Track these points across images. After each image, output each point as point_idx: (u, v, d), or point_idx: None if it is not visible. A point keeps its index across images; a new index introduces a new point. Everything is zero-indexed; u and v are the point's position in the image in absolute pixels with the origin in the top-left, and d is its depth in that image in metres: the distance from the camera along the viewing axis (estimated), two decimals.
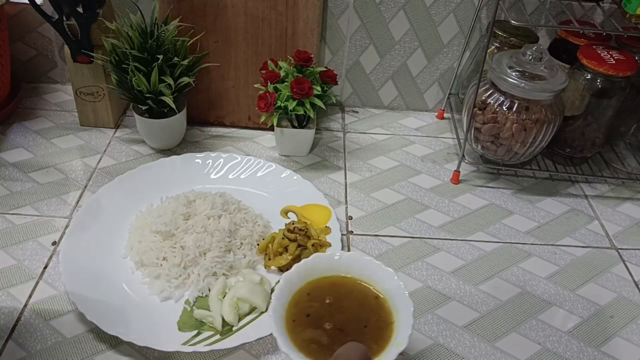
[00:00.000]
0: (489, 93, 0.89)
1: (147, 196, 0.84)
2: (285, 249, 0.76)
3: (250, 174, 0.90)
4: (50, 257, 0.76)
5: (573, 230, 0.88)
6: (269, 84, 0.91)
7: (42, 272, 0.74)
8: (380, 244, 0.82)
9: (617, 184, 0.98)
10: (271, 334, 0.65)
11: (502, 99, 0.88)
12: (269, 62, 0.93)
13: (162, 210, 0.78)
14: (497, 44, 0.98)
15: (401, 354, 0.53)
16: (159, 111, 0.91)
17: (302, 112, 0.89)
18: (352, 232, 0.84)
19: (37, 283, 0.72)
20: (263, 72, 0.92)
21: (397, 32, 1.04)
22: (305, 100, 0.88)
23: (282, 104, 0.89)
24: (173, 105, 0.88)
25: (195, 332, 0.67)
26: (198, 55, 0.92)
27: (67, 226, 0.80)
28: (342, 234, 0.81)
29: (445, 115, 1.12)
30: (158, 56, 0.85)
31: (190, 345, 0.64)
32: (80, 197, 0.86)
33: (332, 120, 1.09)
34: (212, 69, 0.98)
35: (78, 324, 0.67)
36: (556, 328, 0.73)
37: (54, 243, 0.78)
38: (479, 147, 0.94)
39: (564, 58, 0.95)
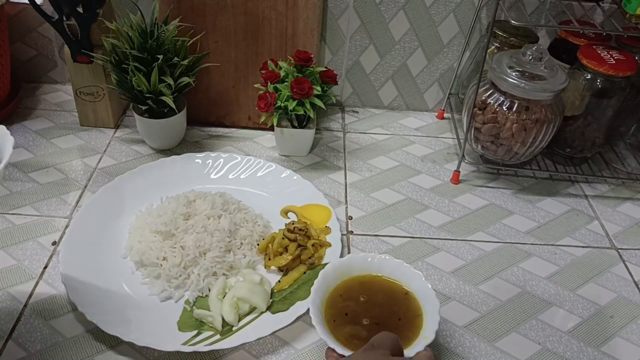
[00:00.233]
0: (489, 93, 0.89)
1: (147, 196, 0.84)
2: (285, 249, 0.76)
3: (250, 174, 0.90)
4: (50, 257, 0.76)
5: (573, 230, 0.88)
6: (269, 84, 0.91)
7: (42, 272, 0.74)
8: (380, 244, 0.82)
9: (617, 184, 0.99)
10: (271, 334, 0.66)
11: (502, 99, 0.88)
12: (269, 62, 0.93)
13: (162, 210, 0.78)
14: (497, 44, 0.98)
15: (428, 346, 0.59)
16: (159, 111, 0.91)
17: (302, 112, 0.89)
18: (352, 232, 0.84)
19: (37, 283, 0.72)
20: (263, 72, 0.92)
21: (397, 32, 1.04)
22: (305, 100, 0.88)
23: (282, 104, 0.89)
24: (173, 105, 0.88)
25: (195, 332, 0.67)
26: (198, 55, 0.92)
27: (67, 226, 0.80)
28: (342, 234, 0.81)
29: (445, 115, 1.12)
30: (158, 56, 0.85)
31: (190, 345, 0.64)
32: (80, 197, 0.86)
33: (332, 120, 1.09)
34: (212, 69, 0.98)
35: (78, 324, 0.67)
36: (556, 328, 0.73)
37: (54, 243, 0.78)
38: (479, 147, 0.94)
39: (564, 58, 0.95)
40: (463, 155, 0.94)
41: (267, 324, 0.67)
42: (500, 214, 0.90)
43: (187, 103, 0.96)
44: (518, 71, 0.86)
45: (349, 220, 0.86)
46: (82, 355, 0.64)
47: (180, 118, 0.94)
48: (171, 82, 0.86)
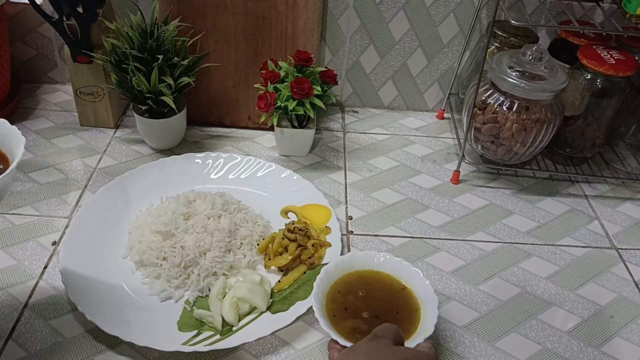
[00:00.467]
0: (489, 93, 0.89)
1: (147, 196, 0.84)
2: (285, 249, 0.76)
3: (250, 174, 0.90)
4: (50, 257, 0.76)
5: (573, 230, 0.88)
6: (269, 84, 0.91)
7: (42, 272, 0.74)
8: (380, 244, 0.82)
9: (617, 184, 0.98)
10: (271, 334, 0.66)
11: (502, 99, 0.88)
12: (269, 62, 0.93)
13: (162, 210, 0.78)
14: (497, 44, 0.98)
15: (428, 339, 0.60)
16: (159, 111, 0.91)
17: (302, 112, 0.89)
18: (352, 232, 0.84)
19: (37, 283, 0.72)
20: (263, 72, 0.92)
21: (397, 32, 1.04)
22: (305, 100, 0.88)
23: (282, 104, 0.89)
24: (173, 105, 0.88)
25: (195, 332, 0.67)
26: (198, 55, 0.92)
27: (67, 226, 0.80)
28: (342, 234, 0.81)
29: (445, 115, 1.12)
30: (158, 56, 0.85)
31: (190, 345, 0.64)
32: (80, 197, 0.86)
33: (332, 120, 1.09)
34: (212, 69, 0.98)
35: (78, 324, 0.67)
36: (556, 328, 0.73)
37: (54, 243, 0.78)
38: (479, 147, 0.94)
39: (564, 58, 0.95)
40: (463, 155, 0.94)
41: (267, 324, 0.67)
42: (500, 214, 0.90)
43: (187, 103, 0.96)
44: (518, 71, 0.86)
45: (349, 220, 0.86)
46: (82, 355, 0.64)
47: (180, 118, 0.94)
48: (171, 82, 0.86)
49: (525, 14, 1.02)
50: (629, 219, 0.91)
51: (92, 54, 0.90)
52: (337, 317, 0.63)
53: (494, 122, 0.89)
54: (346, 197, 0.90)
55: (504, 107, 0.87)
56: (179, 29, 0.90)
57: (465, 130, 0.93)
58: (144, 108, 0.91)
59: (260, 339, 0.66)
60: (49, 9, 0.89)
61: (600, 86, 0.89)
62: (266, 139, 1.01)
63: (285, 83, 0.90)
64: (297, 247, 0.75)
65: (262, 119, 0.92)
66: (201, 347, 0.64)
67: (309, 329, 0.69)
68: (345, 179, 0.94)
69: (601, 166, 1.00)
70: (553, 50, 0.97)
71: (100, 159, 0.93)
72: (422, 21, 1.02)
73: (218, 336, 0.66)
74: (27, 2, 0.87)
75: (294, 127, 0.95)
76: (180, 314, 0.69)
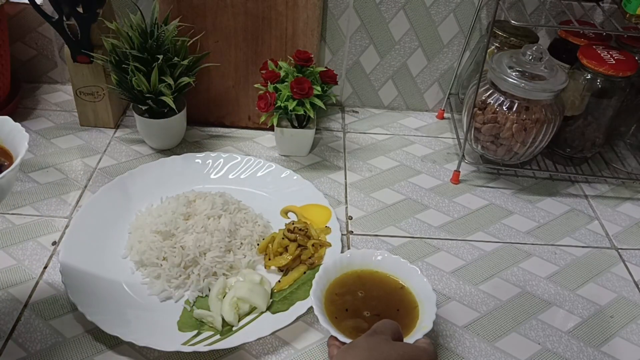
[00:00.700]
0: (489, 93, 0.89)
1: (147, 196, 0.84)
2: (285, 249, 0.76)
3: (250, 174, 0.90)
4: (50, 257, 0.76)
5: (573, 230, 0.88)
6: (269, 84, 0.91)
7: (42, 272, 0.74)
8: (380, 244, 0.82)
9: (617, 184, 0.98)
10: (271, 334, 0.66)
11: (502, 99, 0.88)
12: (269, 62, 0.93)
13: (162, 210, 0.78)
14: (497, 44, 0.98)
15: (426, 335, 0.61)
16: (159, 111, 0.91)
17: (302, 112, 0.89)
18: (352, 232, 0.84)
19: (37, 283, 0.72)
20: (263, 72, 0.92)
21: (397, 32, 1.04)
22: (305, 100, 0.88)
23: (282, 104, 0.89)
24: (173, 105, 0.88)
25: (195, 332, 0.67)
26: (198, 55, 0.92)
27: (67, 226, 0.80)
28: (342, 234, 0.81)
29: (445, 115, 1.12)
30: (158, 56, 0.85)
31: (190, 345, 0.64)
32: (80, 197, 0.86)
33: (332, 120, 1.09)
34: (212, 69, 0.98)
35: (78, 324, 0.67)
36: (556, 328, 0.73)
37: (54, 243, 0.78)
38: (479, 147, 0.94)
39: (564, 58, 0.95)
40: (463, 155, 0.94)
41: (267, 324, 0.67)
42: (500, 214, 0.90)
43: (187, 103, 0.96)
44: (518, 71, 0.86)
45: (349, 220, 0.86)
46: (82, 355, 0.64)
47: (180, 118, 0.94)
48: (171, 82, 0.86)
49: (525, 14, 1.02)
50: (629, 219, 0.91)
51: (92, 54, 0.90)
52: (339, 318, 0.63)
53: (494, 122, 0.89)
54: (346, 197, 0.91)
55: (504, 107, 0.87)
56: (179, 29, 0.90)
57: (465, 130, 0.93)
58: (144, 108, 0.91)
59: (260, 339, 0.66)
60: (49, 9, 0.88)
61: (600, 86, 0.89)
62: (266, 139, 1.01)
63: (285, 83, 0.90)
64: (297, 247, 0.75)
65: (262, 119, 0.92)
66: (201, 347, 0.64)
67: (309, 329, 0.69)
68: (345, 179, 0.94)
69: (601, 166, 1.00)
70: (553, 50, 0.97)
71: (100, 159, 0.93)
72: (422, 21, 1.02)
73: (218, 336, 0.66)
74: (27, 2, 0.87)
75: (294, 127, 0.95)
76: (180, 314, 0.69)
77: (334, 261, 0.69)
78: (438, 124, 1.11)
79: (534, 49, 0.86)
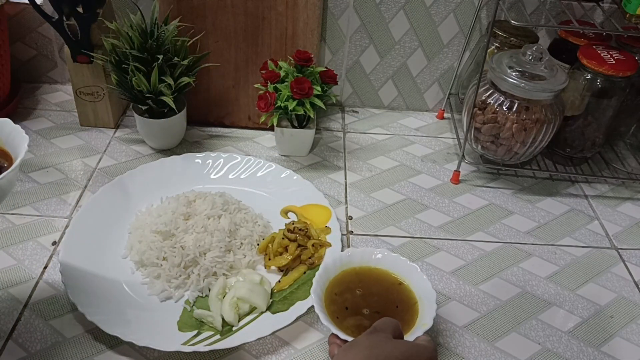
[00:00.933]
0: (489, 93, 0.89)
1: (147, 196, 0.84)
2: (285, 249, 0.76)
3: (250, 174, 0.90)
4: (50, 257, 0.76)
5: (573, 230, 0.88)
6: (269, 84, 0.91)
7: (42, 272, 0.74)
8: (381, 244, 0.82)
9: (617, 184, 0.98)
10: (271, 334, 0.66)
11: (502, 99, 0.88)
12: (269, 62, 0.93)
13: (162, 210, 0.78)
14: (497, 44, 0.98)
15: (426, 333, 0.61)
16: (159, 111, 0.91)
17: (302, 112, 0.89)
18: (352, 232, 0.84)
19: (37, 283, 0.72)
20: (263, 72, 0.92)
21: (397, 32, 1.04)
22: (305, 100, 0.88)
23: (282, 104, 0.89)
24: (173, 105, 0.88)
25: (195, 332, 0.67)
26: (198, 55, 0.92)
27: (67, 226, 0.80)
28: (342, 234, 0.81)
29: (445, 115, 1.12)
30: (158, 56, 0.85)
31: (190, 345, 0.64)
32: (80, 197, 0.86)
33: (332, 120, 1.09)
34: (212, 69, 0.98)
35: (78, 324, 0.67)
36: (556, 328, 0.73)
37: (54, 243, 0.78)
38: (479, 147, 0.94)
39: (564, 58, 0.95)
40: (463, 155, 0.94)
41: (267, 324, 0.67)
42: (500, 214, 0.90)
43: (187, 103, 0.96)
44: (518, 71, 0.86)
45: (349, 220, 0.86)
46: (82, 355, 0.64)
47: (180, 118, 0.94)
48: (171, 82, 0.86)
49: (525, 14, 1.02)
50: (629, 219, 0.91)
51: (92, 54, 0.90)
52: (340, 317, 0.63)
53: (494, 122, 0.89)
54: (346, 197, 0.90)
55: (504, 107, 0.87)
56: (179, 29, 0.90)
57: (465, 130, 0.93)
58: (144, 108, 0.91)
59: (260, 339, 0.66)
60: (49, 9, 0.89)
61: (600, 86, 0.89)
62: (266, 139, 1.01)
63: (285, 83, 0.90)
64: (297, 247, 0.75)
65: (262, 119, 0.92)
66: (201, 347, 0.64)
67: (309, 329, 0.69)
68: (345, 179, 0.94)
69: (601, 166, 1.00)
70: (553, 50, 0.97)
71: (100, 159, 0.93)
72: (422, 21, 1.02)
73: (218, 336, 0.66)
74: (27, 2, 0.87)
75: (294, 127, 0.95)
76: (180, 314, 0.69)
77: (334, 259, 0.69)
78: (438, 124, 1.11)
79: (534, 49, 0.86)
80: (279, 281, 0.74)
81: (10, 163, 0.61)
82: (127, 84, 0.87)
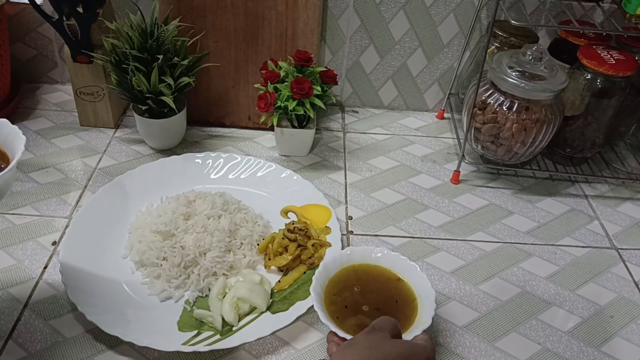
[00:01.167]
0: (489, 93, 0.89)
1: (147, 196, 0.84)
2: (285, 249, 0.76)
3: (250, 174, 0.90)
4: (50, 257, 0.76)
5: (573, 230, 0.88)
6: (269, 84, 0.91)
7: (42, 272, 0.74)
8: (381, 244, 0.82)
9: (617, 184, 0.99)
10: (271, 334, 0.66)
11: (502, 99, 0.88)
12: (269, 62, 0.93)
13: (162, 210, 0.78)
14: (497, 44, 0.98)
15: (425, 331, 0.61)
16: (159, 111, 0.91)
17: (302, 112, 0.89)
18: (352, 232, 0.84)
19: (37, 283, 0.72)
20: (263, 72, 0.92)
21: (397, 32, 1.04)
22: (305, 100, 0.88)
23: (282, 104, 0.89)
24: (173, 105, 0.88)
25: (195, 332, 0.67)
26: (198, 55, 0.92)
27: (67, 226, 0.80)
28: (342, 234, 0.81)
29: (445, 115, 1.12)
30: (158, 56, 0.85)
31: (190, 345, 0.64)
32: (80, 197, 0.86)
33: (332, 120, 1.09)
34: (212, 69, 0.98)
35: (78, 324, 0.67)
36: (556, 328, 0.73)
37: (54, 243, 0.78)
38: (479, 147, 0.94)
39: (564, 58, 0.95)
40: (463, 155, 0.94)
41: (267, 324, 0.67)
42: (500, 214, 0.90)
43: (187, 103, 0.96)
44: (518, 71, 0.86)
45: (349, 220, 0.86)
46: (82, 355, 0.64)
47: (180, 118, 0.94)
48: (171, 82, 0.86)
49: (525, 14, 1.02)
50: (629, 219, 0.91)
51: (92, 54, 0.90)
52: (340, 318, 0.63)
53: (494, 122, 0.89)
54: (346, 197, 0.91)
55: (504, 107, 0.87)
56: (179, 29, 0.90)
57: (465, 130, 0.93)
58: (144, 108, 0.91)
59: (260, 339, 0.66)
60: (49, 9, 0.88)
61: (600, 86, 0.89)
62: (266, 139, 1.01)
63: (285, 83, 0.90)
64: (297, 247, 0.75)
65: (262, 119, 0.92)
66: (201, 347, 0.64)
67: (309, 329, 0.69)
68: (345, 179, 0.94)
69: (601, 166, 1.00)
70: (553, 50, 0.97)
71: (100, 159, 0.93)
72: (422, 21, 1.02)
73: (218, 336, 0.66)
74: (27, 2, 0.87)
75: (294, 127, 0.95)
76: (180, 314, 0.69)
77: (334, 258, 0.69)
78: (438, 124, 1.11)
79: (534, 49, 0.86)
80: (279, 281, 0.74)
81: (8, 164, 0.62)
82: (127, 84, 0.87)
